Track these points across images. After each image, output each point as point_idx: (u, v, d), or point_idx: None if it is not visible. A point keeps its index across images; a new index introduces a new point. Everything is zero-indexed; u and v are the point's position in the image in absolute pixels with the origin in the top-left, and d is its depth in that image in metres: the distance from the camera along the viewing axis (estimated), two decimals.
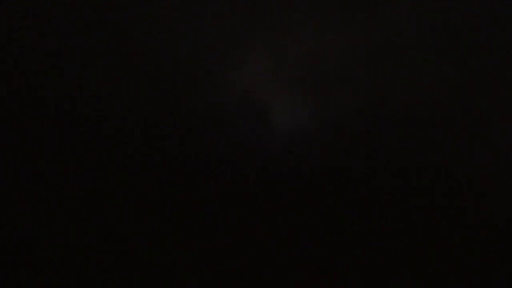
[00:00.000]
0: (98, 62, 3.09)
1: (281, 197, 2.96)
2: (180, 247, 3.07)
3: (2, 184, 3.28)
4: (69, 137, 3.24)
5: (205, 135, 2.90)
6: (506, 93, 2.95)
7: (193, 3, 2.98)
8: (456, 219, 2.94)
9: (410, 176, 2.94)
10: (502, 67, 2.97)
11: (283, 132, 2.90)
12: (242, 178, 2.93)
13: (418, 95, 2.89)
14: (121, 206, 3.10)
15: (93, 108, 3.12)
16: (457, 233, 2.92)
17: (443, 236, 2.96)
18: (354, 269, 3.02)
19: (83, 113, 3.16)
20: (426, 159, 2.92)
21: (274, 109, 2.90)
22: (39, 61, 3.26)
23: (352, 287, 3.01)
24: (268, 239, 3.00)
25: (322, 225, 2.93)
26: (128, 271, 3.16)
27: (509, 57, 2.99)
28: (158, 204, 3.07)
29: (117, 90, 3.05)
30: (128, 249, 3.16)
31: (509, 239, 3.05)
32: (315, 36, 2.88)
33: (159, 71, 2.98)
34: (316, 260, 3.02)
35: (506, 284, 3.13)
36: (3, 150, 3.32)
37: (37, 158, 3.31)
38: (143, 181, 3.05)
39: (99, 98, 3.10)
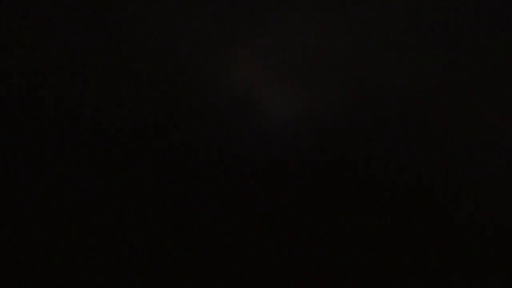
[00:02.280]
0: (97, 63, 3.14)
1: (273, 188, 3.04)
2: (177, 240, 3.13)
3: (3, 184, 3.33)
4: (69, 137, 3.28)
5: (201, 131, 2.98)
6: (485, 88, 3.03)
7: (187, 7, 3.05)
8: (441, 215, 3.00)
9: (396, 168, 3.01)
10: (486, 63, 3.06)
11: (276, 126, 2.97)
12: (238, 172, 3.00)
13: (403, 91, 2.99)
14: (120, 203, 3.16)
15: (92, 108, 3.18)
16: (437, 228, 2.98)
17: (427, 229, 3.01)
18: (350, 266, 3.08)
19: (82, 112, 3.22)
20: (412, 153, 3.01)
21: (268, 105, 2.97)
22: (39, 61, 3.31)
23: (336, 278, 3.08)
24: (263, 232, 3.06)
25: (310, 215, 2.99)
26: (127, 268, 3.21)
27: (493, 54, 3.07)
28: (154, 199, 3.14)
29: (116, 89, 3.11)
30: (125, 245, 3.21)
31: (495, 238, 3.09)
32: (308, 37, 2.97)
33: (156, 69, 3.06)
34: (311, 257, 3.08)
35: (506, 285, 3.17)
36: (3, 150, 3.37)
37: (37, 158, 3.35)
38: (140, 172, 3.13)
39: (98, 98, 3.16)
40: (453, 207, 3.03)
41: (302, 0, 2.99)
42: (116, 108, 3.10)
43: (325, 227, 2.98)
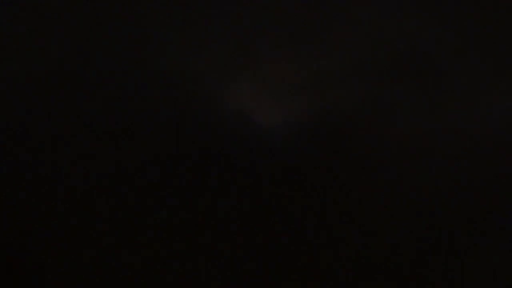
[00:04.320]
0: (112, 78, 3.56)
1: (265, 179, 3.63)
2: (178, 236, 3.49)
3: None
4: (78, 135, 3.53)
5: (206, 136, 3.61)
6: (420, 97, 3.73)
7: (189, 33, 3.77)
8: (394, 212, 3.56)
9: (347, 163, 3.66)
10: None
11: (266, 133, 3.75)
12: (237, 168, 3.59)
13: (356, 105, 3.78)
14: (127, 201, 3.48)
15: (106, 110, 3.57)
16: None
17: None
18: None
19: (97, 116, 3.58)
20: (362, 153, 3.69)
21: (260, 116, 3.77)
22: (46, 64, 3.58)
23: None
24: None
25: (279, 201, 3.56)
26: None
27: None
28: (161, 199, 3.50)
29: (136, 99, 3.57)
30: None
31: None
32: (291, 68, 3.85)
33: (166, 82, 3.66)
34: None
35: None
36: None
37: (39, 158, 3.52)
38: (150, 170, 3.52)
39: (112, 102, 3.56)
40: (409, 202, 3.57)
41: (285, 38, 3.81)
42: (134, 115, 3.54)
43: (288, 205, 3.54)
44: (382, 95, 3.68)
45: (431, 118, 3.64)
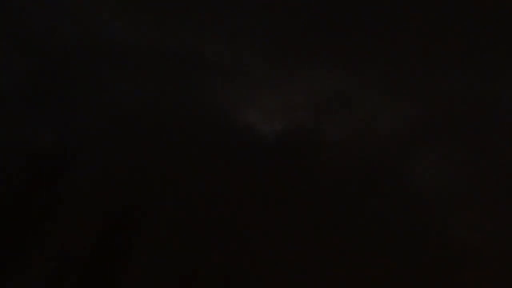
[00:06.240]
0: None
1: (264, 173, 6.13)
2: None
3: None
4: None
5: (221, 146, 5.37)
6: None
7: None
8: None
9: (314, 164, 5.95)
10: None
11: (265, 139, 6.16)
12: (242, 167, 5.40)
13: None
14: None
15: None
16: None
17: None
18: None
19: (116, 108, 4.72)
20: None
21: (260, 129, 6.35)
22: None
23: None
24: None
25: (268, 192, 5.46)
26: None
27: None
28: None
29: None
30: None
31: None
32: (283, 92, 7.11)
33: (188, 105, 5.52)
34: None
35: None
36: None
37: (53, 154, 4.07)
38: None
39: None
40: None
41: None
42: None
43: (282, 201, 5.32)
44: (325, 119, 6.78)
45: (348, 130, 6.83)
